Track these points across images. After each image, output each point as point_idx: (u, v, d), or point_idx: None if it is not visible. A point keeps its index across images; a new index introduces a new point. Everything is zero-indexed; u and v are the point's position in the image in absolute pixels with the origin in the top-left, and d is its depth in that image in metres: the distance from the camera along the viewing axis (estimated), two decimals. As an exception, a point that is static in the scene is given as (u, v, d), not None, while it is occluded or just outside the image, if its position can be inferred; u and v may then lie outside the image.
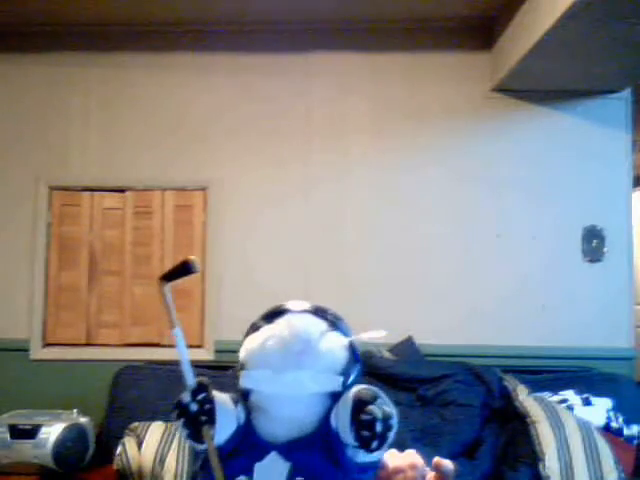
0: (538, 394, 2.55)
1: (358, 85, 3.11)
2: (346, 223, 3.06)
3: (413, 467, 0.86)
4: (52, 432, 2.45)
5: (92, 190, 3.13)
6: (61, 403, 2.80)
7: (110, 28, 3.12)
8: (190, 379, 0.88)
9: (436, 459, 0.86)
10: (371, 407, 0.77)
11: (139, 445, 2.39)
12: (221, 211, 3.08)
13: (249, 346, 0.88)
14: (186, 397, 0.85)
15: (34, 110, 3.15)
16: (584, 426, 2.32)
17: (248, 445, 0.84)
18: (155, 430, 2.44)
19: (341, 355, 0.85)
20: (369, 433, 0.75)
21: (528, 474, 2.25)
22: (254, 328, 0.92)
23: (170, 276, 0.92)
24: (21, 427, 2.47)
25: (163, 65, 3.14)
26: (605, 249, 3.00)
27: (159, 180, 3.11)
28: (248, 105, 3.11)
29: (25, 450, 2.42)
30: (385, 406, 0.77)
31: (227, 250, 3.06)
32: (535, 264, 3.00)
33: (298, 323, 0.86)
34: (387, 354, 2.81)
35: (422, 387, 2.61)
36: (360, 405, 0.77)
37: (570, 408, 2.46)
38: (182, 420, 0.83)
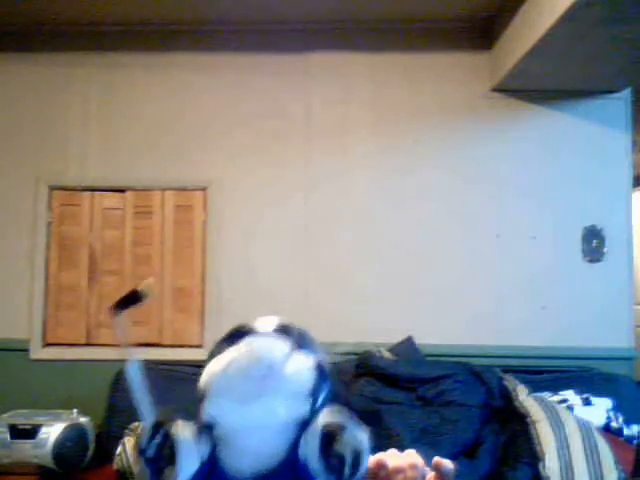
0: (538, 394, 2.55)
1: (358, 85, 3.11)
2: (346, 223, 3.06)
3: (413, 467, 0.86)
4: (52, 432, 2.45)
5: (92, 190, 3.13)
6: (61, 403, 2.80)
7: (110, 28, 3.12)
8: (147, 414, 0.84)
9: (436, 459, 0.85)
10: (339, 439, 0.72)
11: (139, 445, 2.38)
12: (221, 211, 3.08)
13: (210, 371, 0.83)
14: (144, 439, 0.79)
15: (34, 110, 3.15)
16: (584, 426, 2.32)
17: None
18: (155, 430, 2.44)
19: (308, 377, 0.80)
20: (339, 465, 0.72)
21: (528, 474, 2.25)
22: (215, 351, 0.87)
23: (121, 305, 0.87)
24: (21, 427, 2.47)
25: (163, 65, 3.14)
26: (605, 249, 3.00)
27: (159, 180, 3.11)
28: (248, 105, 3.11)
29: (25, 450, 2.42)
30: (355, 437, 0.73)
31: (227, 250, 3.06)
32: (535, 264, 3.00)
33: (260, 346, 0.80)
34: (387, 354, 2.81)
35: (422, 387, 2.60)
36: (328, 436, 0.73)
37: (570, 408, 2.46)
38: (142, 463, 0.79)
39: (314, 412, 0.78)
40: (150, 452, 0.77)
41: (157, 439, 0.78)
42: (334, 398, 0.83)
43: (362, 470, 0.73)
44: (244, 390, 0.78)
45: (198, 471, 0.78)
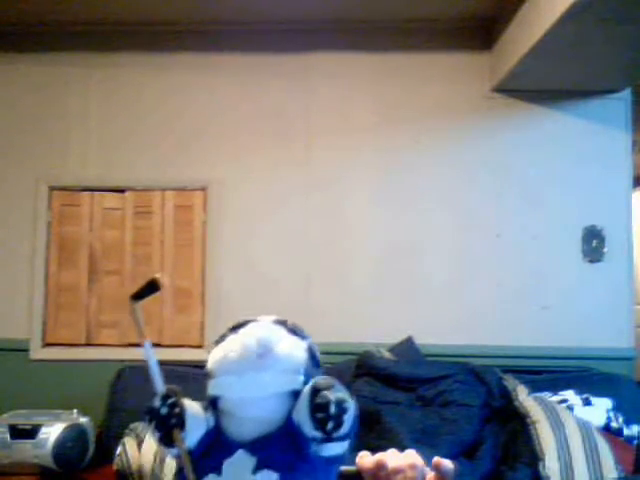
0: (538, 394, 2.55)
1: (358, 85, 3.11)
2: (346, 223, 3.06)
3: (413, 467, 0.86)
4: (52, 432, 2.45)
5: (92, 190, 3.13)
6: (61, 403, 2.80)
7: (110, 28, 3.12)
8: (160, 386, 0.92)
9: (436, 459, 0.86)
10: (325, 392, 0.81)
11: (139, 445, 2.38)
12: (221, 211, 3.08)
13: (214, 356, 0.94)
14: (156, 401, 0.89)
15: (34, 110, 3.15)
16: (584, 426, 2.32)
17: (217, 446, 0.89)
18: (155, 430, 2.44)
19: (300, 356, 0.92)
20: (324, 415, 0.79)
21: (528, 474, 2.25)
22: (219, 340, 0.98)
23: (139, 295, 0.98)
24: (21, 427, 2.47)
25: (163, 65, 3.14)
26: (605, 249, 3.00)
27: (159, 180, 3.11)
28: (248, 105, 3.11)
29: (25, 450, 2.42)
30: (339, 393, 0.81)
31: (227, 250, 3.06)
32: (535, 264, 3.00)
33: (258, 330, 0.92)
34: (387, 354, 2.81)
35: (422, 387, 2.60)
36: (316, 392, 0.81)
37: (570, 408, 2.46)
38: (153, 423, 0.88)
39: (306, 384, 0.86)
40: (163, 410, 0.87)
41: (169, 402, 0.88)
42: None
43: (347, 425, 0.80)
44: (243, 366, 0.88)
45: (204, 436, 0.88)
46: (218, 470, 0.86)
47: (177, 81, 3.14)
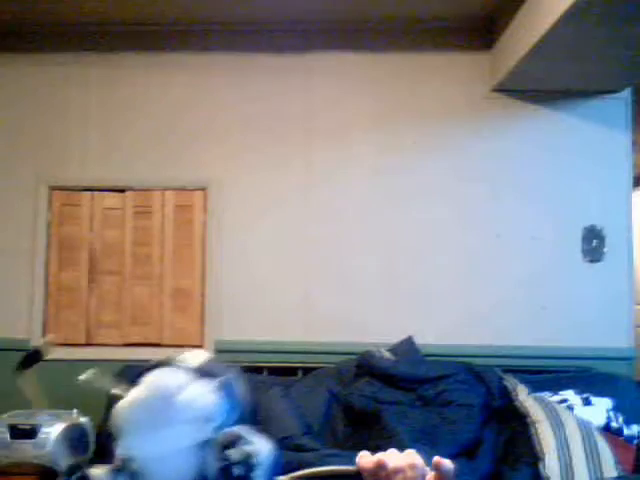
0: (538, 394, 2.55)
1: (358, 85, 3.11)
2: (346, 223, 3.06)
3: (413, 467, 0.86)
4: (52, 432, 2.45)
5: (92, 190, 3.13)
6: (61, 403, 2.80)
7: (110, 28, 3.12)
8: (62, 462, 0.91)
9: (436, 459, 0.85)
10: (227, 452, 0.78)
11: (139, 445, 2.38)
12: (221, 211, 3.08)
13: (119, 412, 0.88)
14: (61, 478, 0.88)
15: (34, 110, 3.15)
16: (584, 426, 2.32)
17: None
18: (155, 430, 2.44)
19: (206, 402, 0.85)
20: (227, 476, 0.78)
21: (528, 474, 2.25)
22: (119, 396, 0.93)
23: (25, 364, 0.95)
24: (21, 427, 2.46)
25: (163, 65, 3.14)
26: (605, 249, 3.00)
27: (159, 180, 3.11)
28: (248, 105, 3.11)
29: (25, 450, 2.42)
30: (246, 446, 0.77)
31: (227, 250, 3.06)
32: (535, 264, 3.00)
33: (153, 381, 0.86)
34: (387, 354, 2.81)
35: (422, 387, 2.60)
36: (222, 450, 0.78)
37: (570, 408, 2.46)
38: None
39: (218, 431, 0.81)
40: None
41: (74, 477, 0.86)
42: (246, 413, 0.86)
43: (261, 476, 0.77)
44: (146, 423, 0.83)
45: None
46: None
47: (177, 81, 3.14)
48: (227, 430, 0.81)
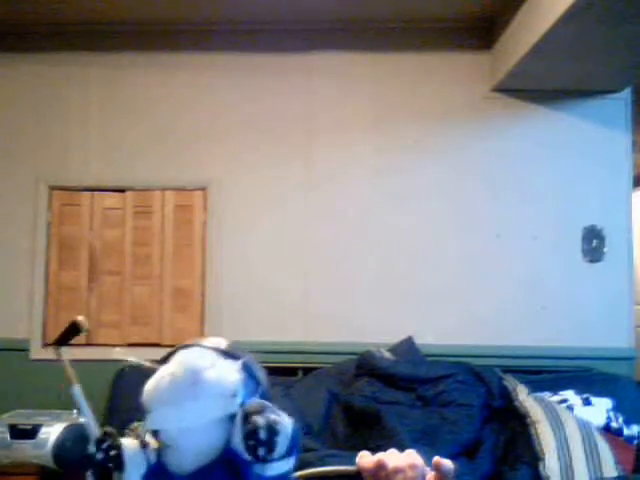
0: (538, 394, 2.55)
1: (358, 85, 3.11)
2: (346, 223, 3.06)
3: (413, 467, 0.86)
4: (52, 432, 2.45)
5: (92, 190, 3.13)
6: (61, 403, 2.80)
7: (110, 28, 3.12)
8: (94, 430, 0.94)
9: (436, 459, 0.86)
10: (254, 417, 0.80)
11: (139, 445, 2.38)
12: (221, 211, 3.08)
13: (147, 388, 0.93)
14: (92, 448, 0.87)
15: (34, 110, 3.14)
16: (584, 426, 2.32)
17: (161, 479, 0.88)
18: (155, 430, 2.44)
19: (233, 378, 0.91)
20: (254, 442, 0.81)
21: (528, 474, 2.25)
22: (150, 373, 0.98)
23: (62, 340, 1.00)
24: (21, 427, 2.47)
25: (163, 65, 3.14)
26: (605, 249, 3.00)
27: (159, 180, 3.11)
28: (248, 105, 3.11)
29: (25, 450, 2.42)
30: (271, 415, 0.81)
31: (227, 250, 3.06)
32: (535, 264, 3.00)
33: (186, 358, 0.90)
34: (387, 354, 2.81)
35: (422, 387, 2.60)
36: (247, 418, 0.81)
37: (570, 408, 2.46)
38: (90, 472, 0.89)
39: (242, 406, 0.85)
40: (99, 456, 0.86)
41: (105, 445, 0.87)
42: (265, 396, 0.92)
43: (281, 447, 0.81)
44: (176, 397, 0.87)
45: (146, 474, 0.87)
46: None
47: (177, 81, 3.14)
48: (253, 400, 0.85)
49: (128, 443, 0.90)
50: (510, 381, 2.65)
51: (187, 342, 0.97)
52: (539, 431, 2.31)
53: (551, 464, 2.20)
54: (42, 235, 3.09)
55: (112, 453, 0.86)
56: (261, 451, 0.78)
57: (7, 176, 3.13)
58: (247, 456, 0.80)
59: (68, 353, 3.03)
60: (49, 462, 2.41)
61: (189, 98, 3.13)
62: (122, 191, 3.12)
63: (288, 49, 3.11)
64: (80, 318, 1.00)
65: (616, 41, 2.40)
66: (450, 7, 2.93)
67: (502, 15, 2.87)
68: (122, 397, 2.74)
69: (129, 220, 3.11)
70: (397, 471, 0.83)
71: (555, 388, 2.60)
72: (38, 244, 3.08)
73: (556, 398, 2.53)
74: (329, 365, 2.83)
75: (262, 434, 0.79)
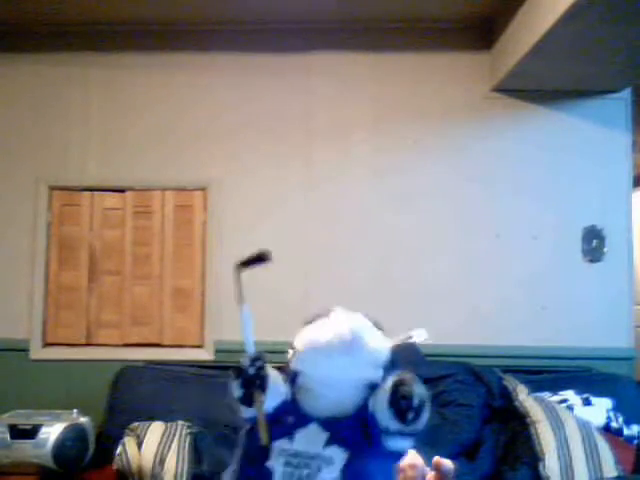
0: (538, 394, 2.55)
1: (358, 85, 3.11)
2: (346, 223, 3.06)
3: (413, 467, 0.87)
4: (52, 432, 2.45)
5: (92, 190, 3.13)
6: (61, 403, 2.80)
7: (110, 28, 3.12)
8: (251, 348, 0.97)
9: (436, 459, 0.86)
10: (408, 386, 0.86)
11: (139, 445, 2.38)
12: (221, 211, 3.08)
13: (304, 334, 0.99)
14: (245, 361, 0.95)
15: (34, 110, 3.14)
16: (584, 426, 2.32)
17: (292, 415, 0.94)
18: (155, 430, 2.44)
19: (384, 353, 0.96)
20: (406, 405, 0.84)
21: (528, 474, 2.25)
22: (311, 321, 1.04)
23: (245, 263, 1.09)
24: (21, 427, 2.47)
25: (163, 65, 3.14)
26: (605, 249, 3.00)
27: (159, 180, 3.11)
28: (248, 105, 3.11)
29: (25, 450, 2.42)
30: (422, 390, 0.87)
31: (227, 250, 3.06)
32: (535, 264, 3.00)
33: (351, 318, 0.97)
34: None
35: (422, 387, 2.60)
36: (400, 384, 0.86)
37: (570, 408, 2.46)
38: (239, 381, 0.94)
39: (384, 381, 0.92)
40: (251, 371, 0.92)
41: (257, 364, 0.93)
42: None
43: (423, 420, 0.84)
44: (332, 349, 0.92)
45: (280, 405, 0.94)
46: (290, 437, 0.90)
47: (177, 81, 3.14)
48: (400, 374, 0.90)
49: (274, 374, 0.97)
50: (510, 381, 2.65)
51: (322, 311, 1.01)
52: (539, 431, 2.31)
53: (551, 464, 2.21)
54: (42, 235, 3.09)
55: (262, 373, 0.92)
56: (410, 415, 0.80)
57: (7, 176, 3.13)
58: (390, 419, 0.81)
59: (68, 353, 3.04)
60: (49, 462, 2.41)
61: (189, 98, 3.13)
62: (122, 191, 3.12)
63: (288, 49, 3.11)
64: (267, 249, 1.07)
65: (616, 41, 2.40)
66: (450, 7, 2.93)
67: (502, 15, 2.87)
68: (122, 397, 2.73)
69: (129, 220, 3.11)
70: (397, 471, 0.84)
71: (555, 388, 2.60)
72: (38, 244, 3.08)
73: (556, 398, 2.53)
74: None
75: (416, 401, 0.83)
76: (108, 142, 3.13)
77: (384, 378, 0.90)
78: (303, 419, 0.91)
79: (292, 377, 0.95)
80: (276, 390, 0.92)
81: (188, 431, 2.45)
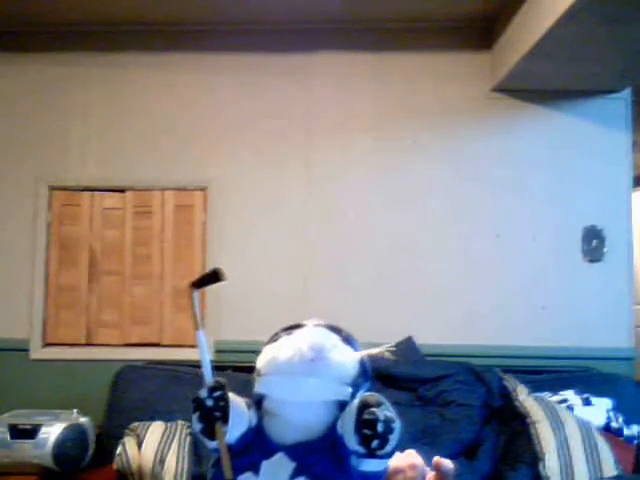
0: (538, 394, 2.55)
1: (359, 85, 3.11)
2: (346, 223, 3.06)
3: (413, 467, 0.87)
4: (52, 432, 2.45)
5: (92, 190, 3.13)
6: (61, 403, 2.80)
7: (110, 28, 3.12)
8: (209, 377, 0.93)
9: (436, 459, 0.86)
10: (374, 409, 0.80)
11: (139, 445, 2.38)
12: (221, 211, 3.08)
13: (266, 354, 0.94)
14: (203, 393, 0.91)
15: (34, 110, 3.14)
16: (584, 426, 2.32)
17: (257, 445, 0.90)
18: (155, 430, 2.44)
19: (351, 368, 0.91)
20: (371, 432, 0.79)
21: (528, 474, 2.25)
22: (273, 339, 0.98)
23: (199, 283, 0.99)
24: (21, 427, 2.47)
25: (163, 65, 3.14)
26: (605, 249, 3.00)
27: (159, 180, 3.11)
28: (249, 105, 3.11)
29: (25, 450, 2.42)
30: (388, 412, 0.81)
31: (227, 250, 3.06)
32: (535, 264, 3.00)
33: (313, 334, 0.92)
34: (387, 354, 2.80)
35: (422, 387, 2.60)
36: (364, 408, 0.82)
37: (570, 408, 2.46)
38: (197, 414, 0.89)
39: (354, 397, 0.87)
40: (209, 402, 0.87)
41: (216, 394, 0.88)
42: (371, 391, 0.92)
43: (391, 445, 0.79)
44: (294, 369, 0.88)
45: (245, 434, 0.88)
46: (256, 469, 0.85)
47: (177, 81, 3.14)
48: (367, 395, 0.84)
49: (236, 400, 0.90)
50: (510, 381, 2.65)
51: (295, 324, 0.97)
52: (539, 431, 2.31)
53: (551, 464, 2.21)
54: (42, 235, 3.09)
55: (221, 403, 0.86)
56: (375, 443, 0.77)
57: (7, 176, 3.13)
58: (356, 444, 0.78)
59: (68, 353, 3.04)
60: (49, 462, 2.41)
61: (189, 98, 3.13)
62: (122, 191, 3.12)
63: (288, 49, 3.11)
64: (221, 268, 0.99)
65: (616, 41, 2.40)
66: (450, 7, 2.93)
67: (502, 15, 2.87)
68: (122, 397, 2.73)
69: (129, 220, 3.11)
70: (397, 471, 0.84)
71: (555, 388, 2.60)
72: (38, 244, 3.08)
73: (556, 398, 2.53)
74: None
75: (380, 427, 0.78)
76: (108, 142, 3.13)
77: (353, 395, 0.86)
78: (269, 449, 0.87)
79: (257, 401, 0.91)
80: (239, 419, 0.87)
81: (188, 431, 2.45)
